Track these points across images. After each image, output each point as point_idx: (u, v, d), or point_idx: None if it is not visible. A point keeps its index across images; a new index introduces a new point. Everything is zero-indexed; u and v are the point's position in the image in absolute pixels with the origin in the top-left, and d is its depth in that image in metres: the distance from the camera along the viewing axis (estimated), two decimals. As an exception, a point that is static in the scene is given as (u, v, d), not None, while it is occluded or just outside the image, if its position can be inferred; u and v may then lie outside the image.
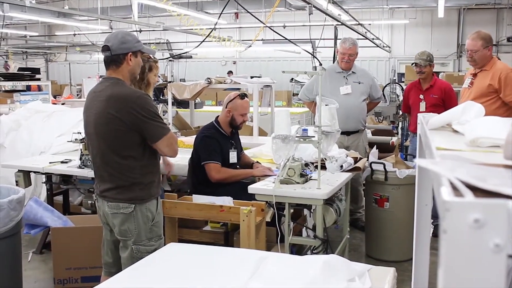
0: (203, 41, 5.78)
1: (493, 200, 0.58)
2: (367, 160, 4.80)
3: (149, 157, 3.08)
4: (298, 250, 4.26)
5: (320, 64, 3.70)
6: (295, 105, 10.64)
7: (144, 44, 3.19)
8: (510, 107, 4.66)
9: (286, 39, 5.39)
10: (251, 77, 8.24)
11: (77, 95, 15.20)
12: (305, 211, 4.47)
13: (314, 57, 3.74)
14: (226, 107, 4.40)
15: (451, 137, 1.62)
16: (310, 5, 6.28)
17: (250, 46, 9.85)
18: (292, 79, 12.71)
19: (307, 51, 4.21)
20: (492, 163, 0.93)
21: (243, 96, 4.42)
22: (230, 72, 15.55)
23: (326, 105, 3.82)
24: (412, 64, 5.84)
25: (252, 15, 5.12)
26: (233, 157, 4.38)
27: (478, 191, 0.72)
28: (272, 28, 5.58)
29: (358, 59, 5.74)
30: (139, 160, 3.04)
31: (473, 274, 0.57)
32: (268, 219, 3.86)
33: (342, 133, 5.10)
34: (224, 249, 2.87)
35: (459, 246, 0.57)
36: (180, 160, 4.62)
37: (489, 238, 0.56)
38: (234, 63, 16.61)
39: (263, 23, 5.46)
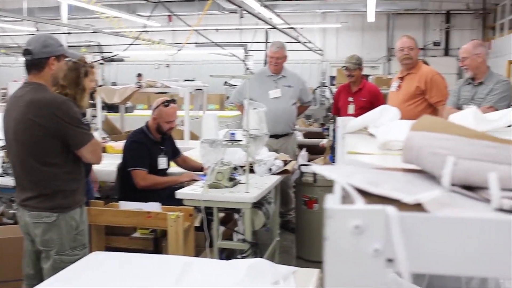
0: (131, 44, 5.68)
1: (372, 207, 0.59)
2: (297, 162, 4.85)
3: (72, 164, 3.00)
4: (228, 254, 4.25)
5: (248, 69, 3.69)
6: (228, 108, 10.65)
7: (73, 46, 3.10)
8: (435, 109, 4.86)
9: (214, 42, 5.37)
10: (185, 81, 8.18)
11: (2, 99, 14.62)
12: (236, 215, 4.46)
13: (242, 61, 3.74)
14: (152, 114, 4.35)
15: (366, 141, 1.65)
16: (241, 8, 6.29)
17: (180, 49, 9.77)
18: (225, 82, 12.71)
19: (235, 55, 4.20)
20: (391, 167, 0.95)
21: (167, 103, 4.37)
22: (139, 75, 15.31)
23: (254, 108, 3.83)
24: (342, 67, 5.96)
25: (180, 18, 5.07)
26: (162, 163, 4.33)
27: (373, 197, 0.73)
28: (199, 31, 5.55)
29: (290, 63, 5.80)
30: (61, 167, 2.95)
31: (355, 278, 0.57)
32: (197, 224, 3.83)
33: (271, 136, 5.14)
34: (149, 256, 2.81)
35: (340, 252, 0.57)
36: (109, 165, 4.52)
37: (369, 244, 0.57)
38: (168, 66, 16.45)
39: (190, 26, 5.41)
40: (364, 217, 0.57)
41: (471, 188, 0.81)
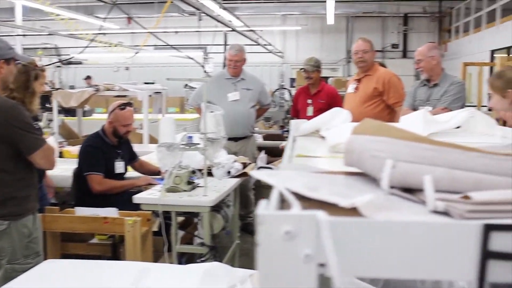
0: (87, 46, 5.60)
1: (302, 212, 0.59)
2: (256, 165, 4.85)
3: (24, 170, 2.92)
4: (189, 258, 4.22)
5: (205, 71, 3.68)
6: (189, 111, 10.58)
7: (30, 49, 3.03)
8: (392, 110, 4.93)
9: (169, 45, 5.33)
10: (145, 83, 8.10)
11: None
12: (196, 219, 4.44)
13: (199, 63, 3.72)
14: (108, 118, 4.29)
15: (317, 143, 1.66)
16: (199, 11, 6.27)
17: (138, 52, 9.68)
18: (186, 85, 12.64)
19: (191, 58, 4.18)
20: (334, 171, 0.95)
21: (123, 106, 4.31)
22: (88, 77, 15.09)
23: (211, 111, 3.81)
24: (301, 69, 6.00)
25: (135, 21, 5.02)
26: (119, 167, 4.28)
27: (313, 201, 0.73)
28: (155, 34, 5.49)
29: (251, 65, 5.81)
30: (12, 174, 2.87)
31: (287, 283, 0.57)
32: (155, 228, 3.79)
33: (230, 139, 5.13)
34: (104, 262, 2.78)
35: (272, 257, 0.57)
36: (66, 171, 4.44)
37: (300, 249, 0.57)
38: (127, 69, 16.25)
39: (145, 28, 5.36)
40: (295, 222, 0.56)
41: (411, 191, 0.82)
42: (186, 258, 4.10)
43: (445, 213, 0.68)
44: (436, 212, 0.70)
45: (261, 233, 0.57)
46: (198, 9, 6.13)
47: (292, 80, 14.26)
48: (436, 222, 0.59)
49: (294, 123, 1.91)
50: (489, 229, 0.56)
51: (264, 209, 0.58)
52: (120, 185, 4.19)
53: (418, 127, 1.86)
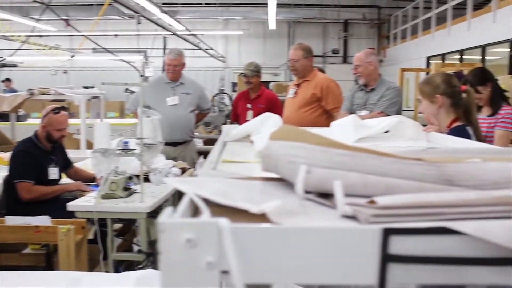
0: (19, 48, 5.43)
1: (204, 219, 0.58)
2: (195, 170, 4.81)
3: None
4: (127, 266, 4.14)
5: (141, 76, 3.63)
6: (129, 116, 10.41)
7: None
8: (330, 115, 5.01)
9: (105, 48, 5.24)
10: (84, 88, 7.90)
11: None
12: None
13: (134, 67, 3.68)
14: (42, 122, 4.17)
15: (246, 149, 1.66)
16: (138, 14, 6.19)
17: (74, 56, 9.46)
18: (126, 89, 12.44)
19: (125, 61, 4.12)
20: (252, 176, 0.95)
21: (57, 110, 4.20)
22: (7, 80, 14.63)
23: (148, 116, 3.77)
24: (241, 74, 6.02)
25: (70, 24, 4.90)
26: (53, 173, 4.16)
27: (227, 208, 0.72)
28: (89, 37, 5.38)
29: (193, 69, 5.79)
30: None
31: (190, 292, 0.56)
32: (90, 236, 3.70)
33: (169, 144, 5.09)
34: (36, 273, 2.68)
35: (174, 266, 0.56)
36: (-4, 178, 4.28)
37: (202, 257, 0.56)
38: (65, 72, 15.87)
39: (78, 31, 5.24)
40: (196, 230, 0.56)
41: (328, 195, 0.83)
42: (124, 266, 4.02)
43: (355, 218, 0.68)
44: (346, 216, 0.70)
45: (163, 241, 0.56)
46: (136, 12, 6.04)
47: (234, 84, 14.29)
48: (338, 227, 0.59)
49: (225, 128, 1.91)
50: (388, 233, 0.57)
51: (166, 217, 0.57)
52: (51, 191, 4.07)
53: (348, 131, 1.89)
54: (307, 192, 0.83)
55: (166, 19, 9.56)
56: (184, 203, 0.67)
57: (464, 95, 2.80)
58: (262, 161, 0.91)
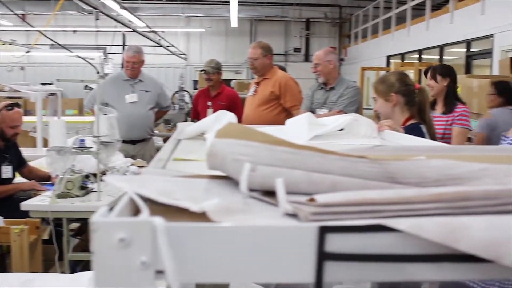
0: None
1: (138, 218, 0.57)
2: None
3: None
4: (85, 266, 4.07)
5: (98, 73, 3.57)
6: (89, 113, 10.25)
7: None
8: (290, 113, 5.02)
9: (60, 44, 5.14)
10: (42, 84, 7.75)
11: None
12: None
13: (91, 64, 3.63)
14: (-7, 120, 4.07)
15: (199, 147, 1.65)
16: (97, 10, 6.09)
17: (29, 51, 9.26)
18: (86, 86, 12.26)
19: (81, 57, 4.05)
20: (199, 175, 0.94)
21: (11, 107, 4.10)
22: None
23: (105, 114, 3.71)
24: (201, 71, 6.00)
25: (25, 18, 4.78)
26: (6, 172, 4.05)
27: (170, 207, 0.71)
28: (47, 32, 5.27)
29: (154, 66, 5.74)
30: None
31: (124, 292, 0.55)
32: (46, 236, 3.63)
33: (128, 142, 5.03)
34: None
35: (108, 266, 0.55)
36: None
37: (136, 256, 0.55)
38: (22, 68, 15.49)
39: (32, 26, 5.12)
40: (129, 229, 0.55)
41: (273, 194, 0.83)
42: (81, 266, 3.96)
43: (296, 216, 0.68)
44: (289, 215, 0.70)
45: (95, 241, 0.55)
46: (95, 8, 5.94)
47: (195, 82, 14.23)
48: (274, 225, 0.59)
49: (180, 126, 1.89)
50: (324, 231, 0.57)
51: (99, 216, 0.56)
52: (4, 190, 3.97)
53: (303, 129, 1.90)
54: (253, 190, 0.83)
55: (126, 15, 9.43)
56: (122, 202, 0.66)
57: (418, 93, 2.85)
58: (208, 159, 0.90)
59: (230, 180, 0.90)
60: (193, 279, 0.57)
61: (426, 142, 1.62)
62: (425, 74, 4.03)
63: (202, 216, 0.65)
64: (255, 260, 0.57)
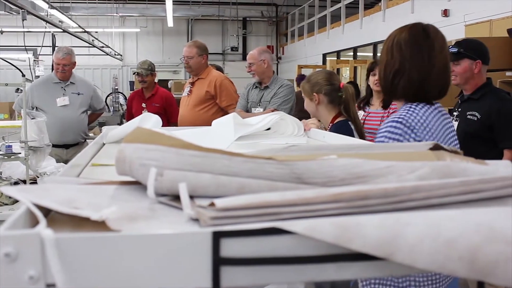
0: None
1: (25, 231, 0.56)
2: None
3: None
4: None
5: (23, 75, 3.46)
6: (20, 118, 9.91)
7: None
8: (226, 112, 5.01)
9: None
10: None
11: None
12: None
13: (15, 66, 3.50)
14: None
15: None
16: (22, 10, 5.90)
17: None
18: (17, 89, 11.86)
19: (4, 59, 3.92)
20: (109, 181, 0.93)
21: None
22: None
23: (33, 118, 3.60)
24: (134, 73, 5.93)
25: None
26: None
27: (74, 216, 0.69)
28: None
29: (88, 68, 5.61)
30: None
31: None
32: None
33: (61, 146, 4.91)
34: None
35: (-6, 283, 0.53)
36: None
37: (24, 271, 0.53)
38: None
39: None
40: (15, 243, 0.53)
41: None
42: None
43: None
44: (193, 219, 0.70)
45: (-20, 256, 0.53)
46: (21, 7, 5.74)
47: (132, 83, 14.01)
48: (169, 233, 0.58)
49: (105, 129, 1.86)
50: (218, 236, 0.58)
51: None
52: None
53: (230, 130, 1.90)
54: (162, 195, 0.82)
55: (57, 15, 9.17)
56: (17, 214, 0.64)
57: (343, 91, 2.90)
58: (117, 165, 0.89)
59: (140, 186, 0.89)
60: (86, 291, 0.56)
61: (350, 139, 1.66)
62: (370, 70, 4.07)
63: (102, 225, 0.64)
64: (151, 267, 0.57)
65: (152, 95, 5.77)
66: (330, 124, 2.83)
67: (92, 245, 0.55)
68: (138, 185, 0.90)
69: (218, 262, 0.58)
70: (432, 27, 1.84)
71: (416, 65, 1.78)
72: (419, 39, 1.80)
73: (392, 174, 0.86)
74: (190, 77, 5.49)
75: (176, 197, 0.81)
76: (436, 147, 1.14)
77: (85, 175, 1.18)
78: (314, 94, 2.83)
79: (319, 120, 2.89)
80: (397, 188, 0.73)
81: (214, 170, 0.82)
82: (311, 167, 0.84)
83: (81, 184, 0.88)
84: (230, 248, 0.58)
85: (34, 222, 0.68)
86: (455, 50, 3.14)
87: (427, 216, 0.66)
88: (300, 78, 8.71)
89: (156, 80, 6.02)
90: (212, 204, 0.67)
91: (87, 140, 5.60)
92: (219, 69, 6.71)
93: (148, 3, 16.16)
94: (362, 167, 0.87)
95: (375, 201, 0.72)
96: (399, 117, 1.75)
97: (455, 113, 3.35)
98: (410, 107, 1.77)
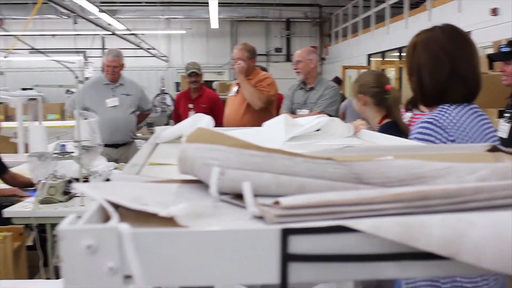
0: None
1: (104, 225, 0.59)
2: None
3: None
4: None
5: (76, 77, 3.56)
6: (71, 118, 10.18)
7: None
8: (269, 111, 5.04)
9: (36, 49, 5.12)
10: (24, 89, 7.69)
11: None
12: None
13: (69, 68, 3.61)
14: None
15: (176, 150, 1.66)
16: (74, 14, 6.07)
17: (6, 56, 9.18)
18: (67, 90, 12.19)
19: (58, 61, 4.04)
20: (171, 179, 0.96)
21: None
22: None
23: (85, 118, 3.71)
24: (189, 73, 6.00)
25: (2, 23, 4.75)
26: (-13, 179, 4.04)
27: (140, 213, 0.73)
28: (23, 37, 5.24)
29: (135, 69, 5.74)
30: None
31: (94, 298, 0.57)
32: (30, 243, 3.62)
33: (110, 146, 5.04)
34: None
35: (76, 272, 0.57)
36: None
37: (103, 262, 0.57)
38: (1, 74, 15.33)
39: (6, 30, 5.08)
40: (95, 236, 0.56)
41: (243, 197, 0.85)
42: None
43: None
44: (257, 217, 0.72)
45: (63, 249, 0.56)
46: (72, 11, 5.91)
47: (177, 84, 14.20)
48: (239, 228, 0.61)
49: (157, 129, 1.91)
50: (287, 233, 0.59)
51: (66, 224, 0.58)
52: None
53: (280, 131, 1.92)
54: (223, 193, 0.85)
55: (105, 18, 9.39)
56: (91, 209, 0.68)
57: (390, 93, 2.89)
58: (179, 164, 0.92)
59: (202, 184, 0.92)
60: (160, 283, 0.59)
61: (399, 140, 1.65)
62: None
63: (172, 221, 0.67)
64: (221, 263, 0.59)
65: (199, 96, 5.85)
66: (378, 125, 2.83)
67: (166, 239, 0.58)
68: (199, 183, 0.93)
69: (286, 258, 0.59)
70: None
71: (468, 66, 1.77)
72: (460, 38, 1.78)
73: (451, 175, 0.86)
74: (234, 78, 5.53)
75: (237, 196, 0.84)
76: (493, 149, 1.13)
77: (143, 173, 1.22)
78: (360, 95, 2.84)
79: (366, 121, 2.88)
80: (459, 189, 0.74)
81: (275, 170, 0.84)
82: (369, 168, 0.85)
83: (145, 182, 0.92)
84: (298, 245, 0.60)
85: (105, 217, 0.72)
86: (508, 49, 3.08)
87: (490, 217, 0.66)
88: (336, 81, 8.65)
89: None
90: (276, 203, 0.68)
91: (135, 140, 5.73)
92: (265, 70, 6.74)
93: (193, 5, 16.35)
94: (420, 168, 0.87)
95: (436, 202, 0.72)
96: (430, 118, 1.74)
97: (506, 114, 3.28)
98: (442, 108, 1.76)
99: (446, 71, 1.77)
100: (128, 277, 0.57)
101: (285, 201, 0.68)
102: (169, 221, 0.66)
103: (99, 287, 0.57)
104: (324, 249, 0.61)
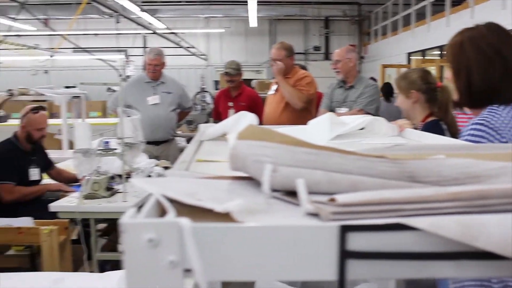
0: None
1: (165, 219, 0.60)
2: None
3: None
4: (114, 266, 4.14)
5: (120, 75, 3.63)
6: (112, 115, 10.35)
7: None
8: (309, 110, 5.02)
9: (81, 48, 5.22)
10: (66, 87, 7.86)
11: None
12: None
13: (112, 66, 3.67)
14: (21, 122, 4.16)
15: (222, 148, 1.67)
16: (117, 13, 6.17)
17: (53, 55, 9.40)
18: (108, 88, 12.40)
19: (102, 60, 4.11)
20: (221, 176, 0.97)
21: (36, 110, 4.19)
22: None
23: (128, 116, 3.77)
24: (225, 72, 6.03)
25: (48, 23, 4.87)
26: (34, 174, 4.15)
27: (194, 208, 0.74)
28: (69, 36, 5.35)
29: (175, 68, 5.80)
30: None
31: (154, 290, 0.58)
32: (74, 237, 3.71)
33: (151, 143, 5.10)
34: (18, 274, 2.67)
35: (138, 265, 0.58)
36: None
37: (164, 256, 0.58)
38: (46, 72, 15.71)
39: (54, 30, 5.21)
40: (157, 230, 0.57)
41: (295, 194, 0.85)
42: (110, 266, 4.02)
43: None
44: (311, 214, 0.72)
45: (125, 241, 0.58)
46: (115, 11, 6.01)
47: (216, 82, 14.29)
48: (297, 225, 0.61)
49: (202, 127, 1.93)
50: (345, 230, 0.59)
51: (128, 217, 0.59)
52: (31, 191, 4.06)
53: (325, 129, 1.92)
54: (274, 190, 0.85)
55: (146, 17, 9.52)
56: (149, 204, 0.69)
57: (440, 91, 2.85)
58: (230, 161, 0.92)
59: (252, 181, 0.92)
60: (219, 278, 0.60)
61: (445, 139, 1.63)
62: None
63: (225, 216, 0.67)
64: (279, 259, 0.60)
65: (238, 94, 5.87)
66: (421, 124, 2.79)
67: (226, 234, 0.59)
68: (250, 180, 0.94)
69: (345, 255, 0.59)
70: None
71: None
72: (507, 36, 1.74)
73: (506, 175, 0.85)
74: (272, 77, 5.53)
75: (289, 193, 0.84)
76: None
77: (192, 170, 1.24)
78: (412, 91, 2.80)
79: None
80: (518, 188, 0.72)
81: (327, 167, 0.84)
82: (423, 166, 0.84)
83: (197, 178, 0.93)
84: (356, 242, 0.60)
85: (161, 212, 0.73)
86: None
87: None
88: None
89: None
90: (332, 200, 0.68)
91: (175, 137, 5.79)
92: (304, 68, 6.72)
93: (232, 4, 16.42)
94: (474, 167, 0.86)
95: (493, 201, 0.71)
96: (481, 119, 1.69)
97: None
98: (492, 109, 1.72)
99: (498, 70, 1.73)
100: (187, 270, 0.58)
101: (341, 198, 0.67)
102: (223, 217, 0.67)
103: (159, 280, 0.58)
104: (381, 246, 0.61)
